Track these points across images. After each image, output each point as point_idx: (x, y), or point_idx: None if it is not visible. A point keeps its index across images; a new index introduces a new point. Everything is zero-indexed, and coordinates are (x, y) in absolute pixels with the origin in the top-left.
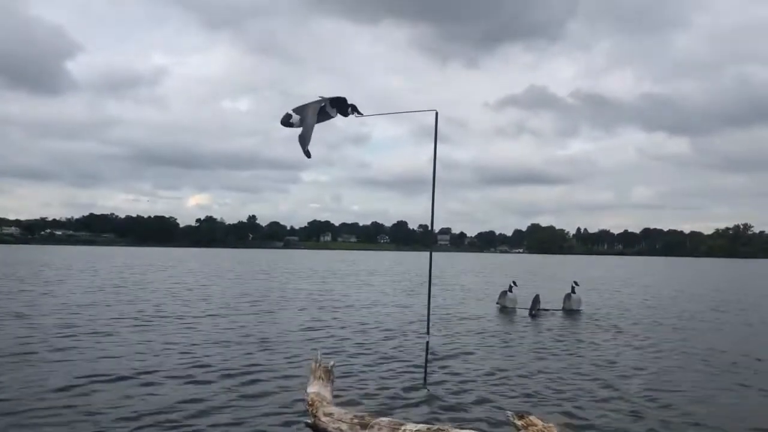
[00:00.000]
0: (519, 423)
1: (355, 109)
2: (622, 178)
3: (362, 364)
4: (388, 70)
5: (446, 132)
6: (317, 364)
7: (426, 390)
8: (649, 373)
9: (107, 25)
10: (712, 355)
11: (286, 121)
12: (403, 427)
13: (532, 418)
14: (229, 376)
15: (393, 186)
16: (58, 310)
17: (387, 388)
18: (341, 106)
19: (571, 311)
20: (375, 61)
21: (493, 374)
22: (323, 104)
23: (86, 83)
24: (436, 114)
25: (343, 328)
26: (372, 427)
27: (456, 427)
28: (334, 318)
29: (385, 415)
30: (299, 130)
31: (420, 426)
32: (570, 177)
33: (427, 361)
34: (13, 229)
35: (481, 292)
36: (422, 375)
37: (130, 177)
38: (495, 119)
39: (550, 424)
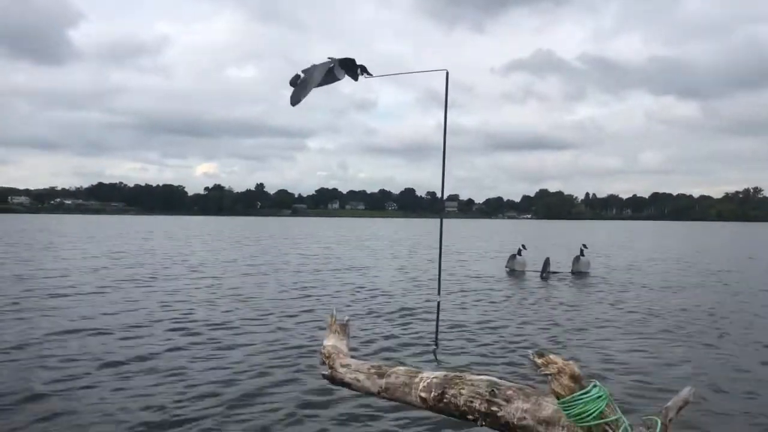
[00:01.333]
0: (539, 361)
1: (364, 70)
2: (630, 143)
3: (374, 324)
4: (394, 35)
5: (453, 97)
6: (333, 319)
7: (437, 349)
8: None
9: None
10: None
11: (295, 82)
12: (420, 375)
13: (552, 356)
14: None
15: (400, 153)
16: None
17: (398, 348)
18: (350, 68)
19: (579, 273)
20: (380, 27)
21: (503, 333)
22: (332, 65)
23: (90, 52)
24: (447, 74)
25: (358, 290)
26: (389, 375)
27: (472, 374)
28: (345, 280)
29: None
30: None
31: (437, 373)
32: (578, 142)
33: (438, 321)
34: (23, 199)
35: (489, 257)
36: (433, 335)
37: (137, 146)
38: (502, 84)
39: (570, 361)
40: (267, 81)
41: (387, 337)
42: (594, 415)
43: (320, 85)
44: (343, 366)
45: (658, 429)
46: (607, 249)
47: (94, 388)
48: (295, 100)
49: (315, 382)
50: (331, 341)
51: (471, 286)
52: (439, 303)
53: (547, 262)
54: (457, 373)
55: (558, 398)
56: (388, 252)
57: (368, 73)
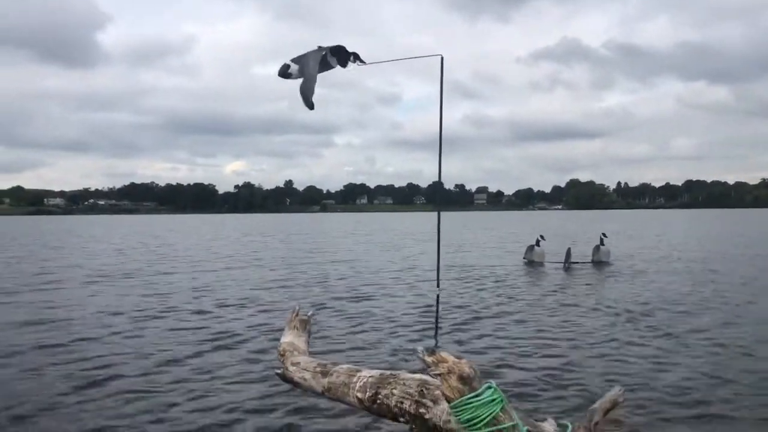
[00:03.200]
0: (429, 359)
1: (357, 58)
2: (661, 130)
3: (374, 317)
4: (418, 28)
5: (479, 88)
6: (294, 315)
7: (436, 343)
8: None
9: None
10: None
11: (284, 72)
12: (358, 374)
13: (443, 354)
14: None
15: (426, 146)
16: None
17: (397, 341)
18: (341, 55)
19: (600, 263)
20: (404, 20)
21: (509, 326)
22: (324, 53)
23: (117, 54)
24: (441, 59)
25: (362, 282)
26: (332, 374)
27: (407, 372)
28: (355, 270)
29: (396, 367)
30: (298, 81)
31: (374, 372)
32: (607, 130)
33: (437, 314)
34: (58, 200)
35: (509, 248)
36: (433, 328)
37: (167, 146)
38: (528, 74)
39: (462, 360)
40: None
41: (385, 332)
42: (485, 420)
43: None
44: (293, 364)
45: None
46: (627, 239)
47: None
48: (308, 103)
49: None
50: (288, 338)
51: (486, 278)
52: (438, 296)
53: (569, 253)
54: (393, 372)
55: (448, 401)
56: (413, 249)
57: (361, 61)
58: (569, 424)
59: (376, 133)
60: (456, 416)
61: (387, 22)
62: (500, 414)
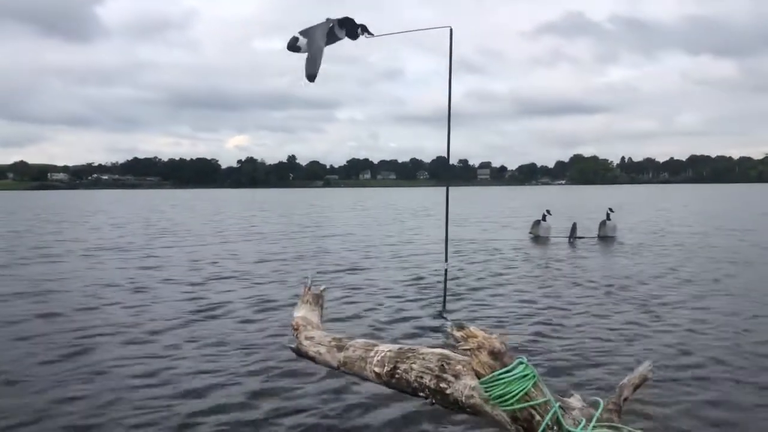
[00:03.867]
0: (458, 334)
1: (365, 30)
2: (666, 105)
3: (382, 291)
4: (423, 1)
5: (481, 63)
6: (307, 289)
7: (443, 317)
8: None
9: None
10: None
11: (293, 45)
12: (375, 348)
13: (472, 329)
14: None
15: (429, 121)
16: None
17: (404, 317)
18: (350, 27)
19: (606, 238)
20: None
21: (517, 301)
22: (331, 25)
23: (117, 28)
24: (451, 31)
25: (371, 256)
26: (348, 348)
27: (427, 347)
28: (361, 244)
29: (397, 341)
30: (306, 54)
31: (392, 346)
32: (611, 105)
33: (445, 287)
34: (62, 175)
35: (516, 223)
36: (440, 302)
37: (169, 120)
38: (531, 48)
39: (493, 335)
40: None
41: (393, 306)
42: (517, 396)
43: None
44: (307, 338)
45: (598, 410)
46: (630, 214)
47: None
48: (310, 75)
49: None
50: (301, 312)
51: (492, 253)
52: (446, 270)
53: (574, 227)
54: (411, 346)
55: (478, 377)
56: (412, 221)
57: (369, 33)
58: (600, 400)
59: (379, 108)
60: (487, 392)
61: None
62: (532, 390)
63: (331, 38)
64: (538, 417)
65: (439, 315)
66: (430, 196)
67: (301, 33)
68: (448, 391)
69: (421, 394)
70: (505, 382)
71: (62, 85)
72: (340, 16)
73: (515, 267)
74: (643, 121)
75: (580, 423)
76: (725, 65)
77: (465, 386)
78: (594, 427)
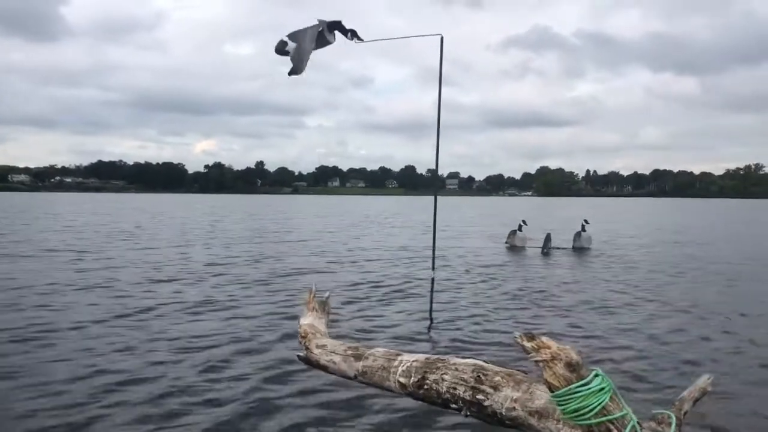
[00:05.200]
0: (529, 345)
1: (354, 35)
2: (630, 119)
3: (365, 299)
4: (390, 10)
5: (450, 74)
6: (312, 296)
7: (431, 326)
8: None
9: None
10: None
11: (281, 49)
12: (399, 358)
13: (544, 339)
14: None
15: (399, 130)
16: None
17: (390, 325)
18: (340, 32)
19: (581, 249)
20: (377, 3)
21: (502, 310)
22: (321, 29)
23: (83, 28)
24: (441, 39)
25: (353, 264)
26: (367, 357)
27: (457, 357)
28: (339, 256)
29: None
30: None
31: (418, 356)
32: (578, 119)
33: (432, 296)
34: (23, 177)
35: (490, 233)
36: (427, 311)
37: (135, 123)
38: (499, 61)
39: (567, 346)
40: (263, 57)
41: (377, 316)
42: (595, 410)
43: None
44: (318, 347)
45: (672, 426)
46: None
47: None
48: (295, 70)
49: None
50: (308, 320)
51: (470, 261)
52: (433, 279)
53: (548, 238)
54: (440, 357)
55: (551, 390)
56: (387, 230)
57: (359, 38)
58: (672, 414)
59: (349, 116)
60: (561, 406)
61: (359, 3)
62: (609, 403)
63: (321, 42)
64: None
65: (428, 328)
66: (399, 204)
67: (290, 36)
68: (486, 404)
69: (454, 406)
70: (581, 396)
71: (26, 86)
72: (329, 19)
73: (494, 277)
74: (608, 134)
75: None
76: (687, 82)
77: (506, 398)
78: None
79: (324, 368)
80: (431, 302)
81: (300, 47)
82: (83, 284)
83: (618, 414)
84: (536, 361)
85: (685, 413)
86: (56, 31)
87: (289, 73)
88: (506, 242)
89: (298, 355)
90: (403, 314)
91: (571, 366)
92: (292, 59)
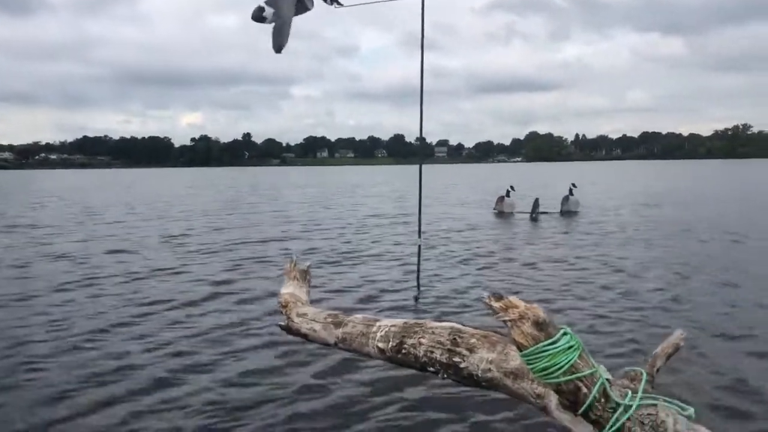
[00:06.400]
0: (496, 305)
1: (334, 0)
2: (618, 82)
3: (353, 268)
4: None
5: (434, 39)
6: (292, 265)
7: (419, 293)
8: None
9: None
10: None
11: (258, 16)
12: (378, 323)
13: (512, 299)
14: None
15: (386, 98)
16: None
17: (378, 293)
18: None
19: (569, 213)
20: None
21: (487, 274)
22: None
23: (62, 2)
24: (422, 1)
25: (341, 230)
26: (346, 324)
27: (435, 321)
28: (326, 225)
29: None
30: (272, 25)
31: (396, 321)
32: (565, 82)
33: (419, 264)
34: (7, 155)
35: (478, 199)
36: (414, 278)
37: (119, 98)
38: (484, 24)
39: (534, 305)
40: (247, 28)
41: (365, 284)
42: (563, 369)
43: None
44: (299, 315)
45: (643, 382)
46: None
47: None
48: (277, 46)
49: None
50: (289, 289)
51: (457, 229)
52: (420, 246)
53: (536, 203)
54: (418, 321)
55: (520, 349)
56: (377, 199)
57: (339, 3)
58: (643, 371)
59: (335, 85)
60: (529, 365)
61: None
62: (578, 361)
63: (300, 8)
64: (585, 389)
65: (416, 296)
66: (389, 174)
67: (267, 2)
68: (462, 365)
69: (431, 369)
70: (550, 354)
71: (4, 61)
72: None
73: (481, 244)
74: (596, 98)
75: (626, 395)
76: (674, 43)
77: (481, 360)
78: (641, 398)
79: (305, 336)
80: (418, 269)
81: (279, 14)
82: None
83: (587, 371)
84: (504, 321)
85: (658, 369)
86: (35, 4)
87: (277, 51)
88: (494, 209)
89: (279, 324)
90: (390, 281)
91: (538, 325)
92: (273, 35)
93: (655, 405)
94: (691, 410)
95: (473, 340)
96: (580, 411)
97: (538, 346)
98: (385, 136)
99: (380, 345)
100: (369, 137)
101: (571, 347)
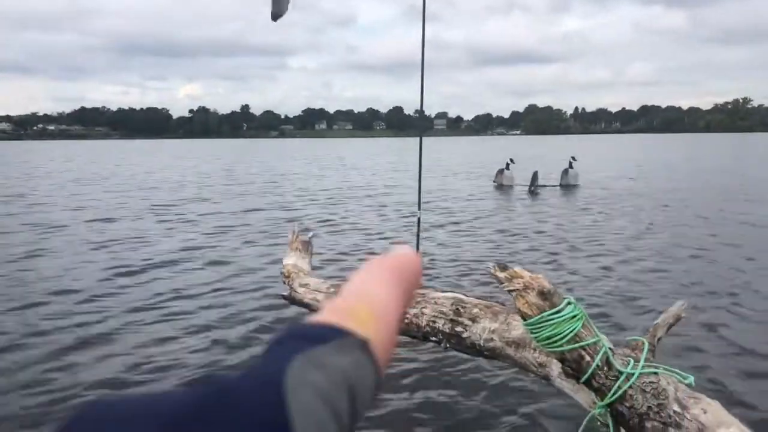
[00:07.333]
0: (501, 275)
1: None
2: (618, 55)
3: (351, 239)
4: None
5: (434, 10)
6: (294, 236)
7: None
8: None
9: None
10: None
11: None
12: None
13: (517, 269)
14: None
15: (385, 70)
16: None
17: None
18: None
19: (568, 186)
20: None
21: (487, 245)
22: None
23: None
24: None
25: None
26: None
27: (437, 291)
28: (323, 196)
29: None
30: None
31: None
32: (565, 55)
33: (419, 236)
34: (5, 125)
35: (477, 172)
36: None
37: (116, 68)
38: None
39: (539, 275)
40: None
41: (364, 256)
42: (567, 337)
43: None
44: (302, 286)
45: (645, 351)
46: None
47: None
48: (275, 14)
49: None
50: (291, 260)
51: (458, 202)
52: (419, 218)
53: (535, 176)
54: (420, 291)
55: (524, 319)
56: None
57: None
58: (645, 340)
59: (333, 57)
60: (533, 334)
61: None
62: (581, 330)
63: None
64: (587, 358)
65: None
66: (386, 146)
67: None
68: (464, 335)
69: (434, 338)
70: (554, 324)
71: (1, 31)
72: None
73: (482, 215)
74: (596, 71)
75: (629, 363)
76: (676, 15)
77: (484, 329)
78: (643, 367)
79: (308, 306)
80: (418, 242)
81: None
82: None
83: (590, 340)
84: (509, 291)
85: (659, 339)
86: None
87: (273, 18)
88: (494, 181)
89: (282, 295)
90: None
91: (543, 294)
92: (273, 1)
93: (656, 373)
94: (691, 378)
95: (476, 310)
96: (583, 379)
97: (542, 315)
98: (384, 108)
99: None
100: (368, 109)
101: (574, 317)
